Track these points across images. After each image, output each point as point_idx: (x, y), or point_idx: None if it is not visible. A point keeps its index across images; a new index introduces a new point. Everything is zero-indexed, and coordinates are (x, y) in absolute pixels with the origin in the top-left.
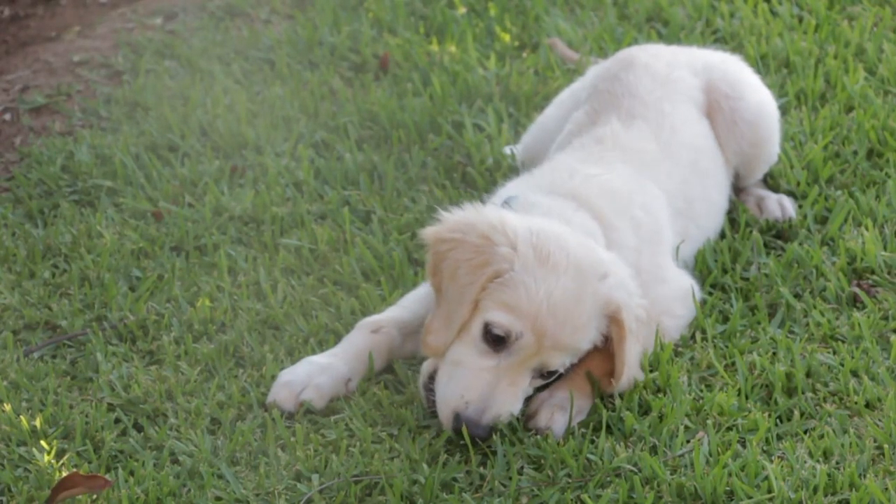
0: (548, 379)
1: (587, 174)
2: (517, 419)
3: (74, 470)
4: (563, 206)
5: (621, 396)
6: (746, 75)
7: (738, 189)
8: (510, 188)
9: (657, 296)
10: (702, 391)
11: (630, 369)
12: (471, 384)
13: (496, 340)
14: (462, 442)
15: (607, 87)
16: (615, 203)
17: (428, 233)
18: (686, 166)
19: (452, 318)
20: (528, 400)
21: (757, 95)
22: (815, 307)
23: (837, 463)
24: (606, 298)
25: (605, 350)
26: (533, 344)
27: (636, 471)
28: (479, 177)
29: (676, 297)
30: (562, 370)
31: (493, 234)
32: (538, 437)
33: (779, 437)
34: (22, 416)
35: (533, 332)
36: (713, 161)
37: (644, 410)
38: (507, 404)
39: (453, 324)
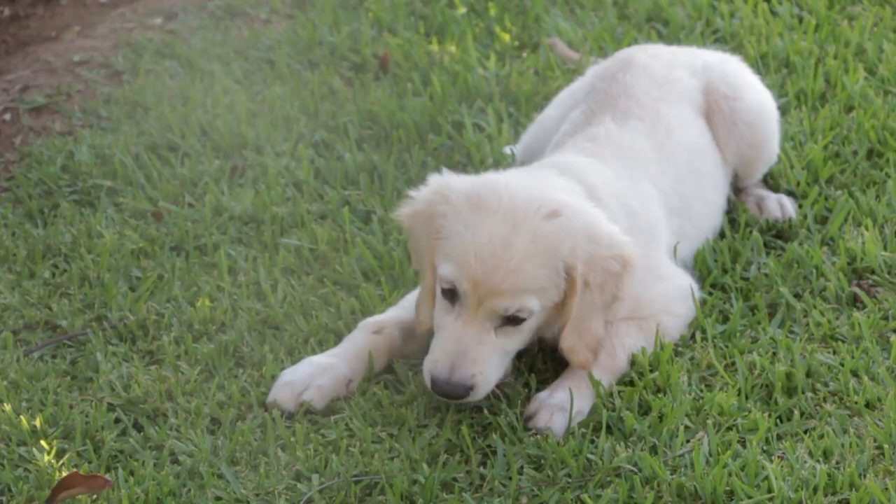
0: (517, 325)
1: (581, 161)
2: (516, 418)
3: (74, 470)
4: (546, 172)
5: (621, 396)
6: (746, 76)
7: (738, 189)
8: None
9: (655, 294)
10: (702, 391)
11: (582, 328)
12: (439, 343)
13: (451, 295)
14: (462, 442)
15: (604, 87)
16: (607, 186)
17: (398, 215)
18: (681, 166)
19: (425, 289)
20: (527, 401)
21: (756, 96)
22: (815, 307)
23: (837, 463)
24: (554, 238)
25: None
26: (471, 291)
27: (636, 471)
28: None
29: (675, 295)
30: (525, 314)
31: (434, 196)
32: (538, 437)
33: (779, 437)
34: (22, 416)
35: (466, 279)
36: (710, 161)
37: (644, 410)
38: (479, 363)
39: (424, 292)
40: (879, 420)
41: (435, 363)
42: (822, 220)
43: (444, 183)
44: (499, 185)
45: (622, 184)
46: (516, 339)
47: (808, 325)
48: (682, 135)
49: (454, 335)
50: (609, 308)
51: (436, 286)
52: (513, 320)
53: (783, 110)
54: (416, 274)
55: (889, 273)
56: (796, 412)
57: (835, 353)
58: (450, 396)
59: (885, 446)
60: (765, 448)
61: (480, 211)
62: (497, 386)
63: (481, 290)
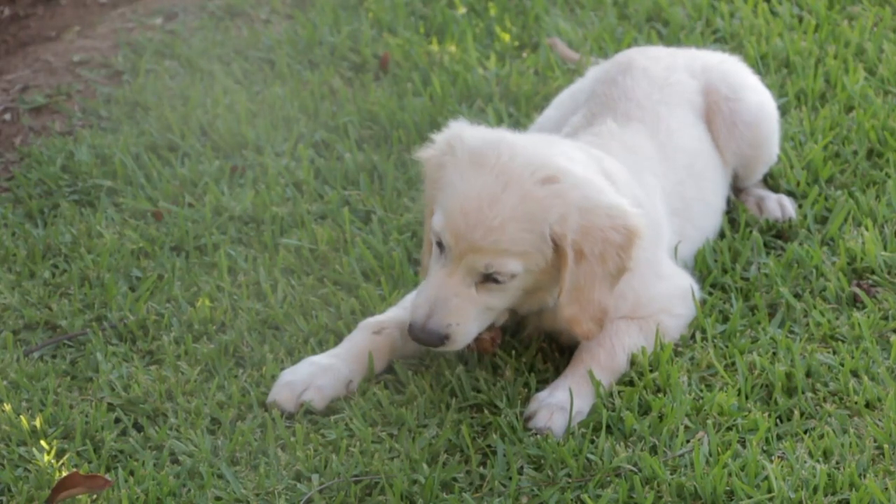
0: (500, 283)
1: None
2: (516, 418)
3: (74, 470)
4: (566, 142)
5: (621, 396)
6: (746, 76)
7: (738, 189)
8: None
9: (655, 293)
10: (702, 391)
11: (583, 298)
12: (421, 292)
13: (440, 245)
14: (462, 442)
15: (604, 91)
16: (620, 174)
17: (417, 157)
18: (682, 168)
19: (426, 238)
20: (528, 401)
21: (756, 96)
22: (815, 307)
23: (837, 463)
24: (543, 204)
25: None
26: (453, 244)
27: (636, 471)
28: None
29: (675, 294)
30: (503, 276)
31: (444, 145)
32: (538, 437)
33: (779, 437)
34: (22, 416)
35: (449, 231)
36: (709, 164)
37: (644, 410)
38: (455, 314)
39: (426, 242)
40: (879, 420)
41: (415, 308)
42: (822, 220)
43: (456, 133)
44: (503, 142)
45: (630, 176)
46: (500, 297)
47: (808, 325)
48: (682, 137)
49: (436, 284)
50: (617, 280)
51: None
52: (494, 279)
53: (783, 110)
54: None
55: (889, 273)
56: (796, 412)
57: (835, 353)
58: (424, 343)
59: (885, 446)
60: (765, 448)
61: (477, 166)
62: (489, 341)
63: (462, 243)
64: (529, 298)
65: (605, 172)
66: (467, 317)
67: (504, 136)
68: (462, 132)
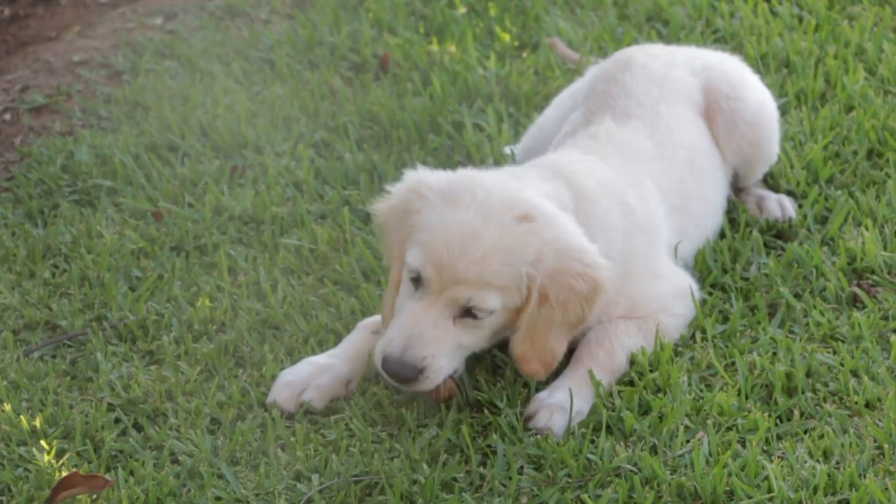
0: (477, 319)
1: (580, 159)
2: (516, 418)
3: (74, 470)
4: (535, 175)
5: (621, 396)
6: (746, 75)
7: (738, 189)
8: None
9: (654, 292)
10: (702, 391)
11: (537, 340)
12: (395, 324)
13: (416, 282)
14: (462, 442)
15: (604, 88)
16: (603, 186)
17: (374, 210)
18: (682, 165)
19: (391, 282)
20: (528, 401)
21: (757, 95)
22: (815, 307)
23: (837, 463)
24: (520, 241)
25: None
26: (435, 277)
27: (636, 471)
28: None
29: (674, 294)
30: (483, 313)
31: (409, 193)
32: (538, 437)
33: (779, 437)
34: (22, 416)
35: (431, 263)
36: (709, 161)
37: (644, 410)
38: (432, 347)
39: (390, 288)
40: (879, 420)
41: (389, 342)
42: (822, 220)
43: (419, 179)
44: (474, 181)
45: (622, 181)
46: (474, 335)
47: (808, 325)
48: (682, 134)
49: (412, 317)
50: (574, 329)
51: (402, 277)
52: (473, 314)
53: (783, 110)
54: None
55: (889, 273)
56: (796, 412)
57: (835, 353)
58: (399, 378)
59: (885, 446)
60: (765, 448)
61: (452, 203)
62: (446, 390)
63: (445, 276)
64: (494, 338)
65: (579, 195)
66: (442, 351)
67: (471, 174)
68: (425, 178)
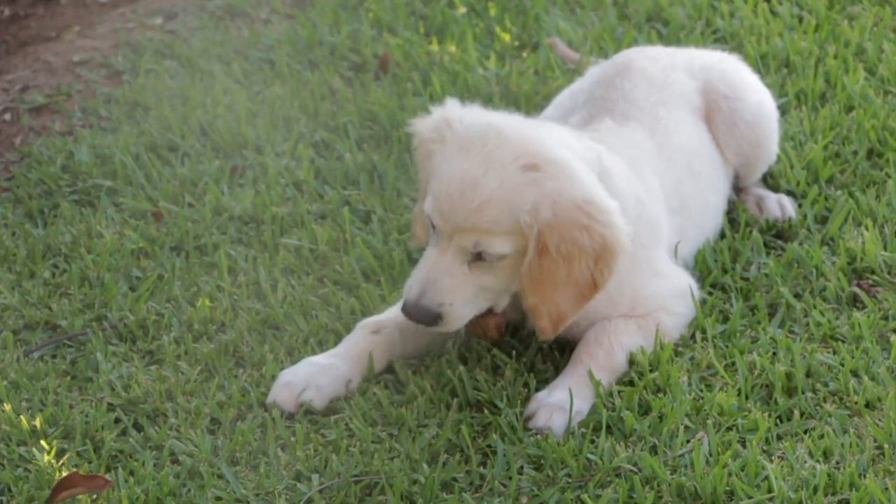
0: (492, 263)
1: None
2: (516, 418)
3: (74, 470)
4: (569, 132)
5: (621, 396)
6: (745, 75)
7: (738, 189)
8: None
9: (653, 291)
10: (702, 391)
11: (544, 293)
12: (415, 271)
13: (432, 225)
14: (462, 442)
15: (602, 94)
16: (612, 171)
17: (412, 128)
18: (680, 167)
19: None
20: (528, 401)
21: (756, 95)
22: (815, 307)
23: (837, 463)
24: (518, 191)
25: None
26: (443, 225)
27: (636, 471)
28: None
29: (674, 293)
30: (491, 259)
31: (432, 133)
32: (538, 437)
33: (779, 437)
34: (22, 416)
35: (437, 212)
36: (708, 163)
37: (644, 410)
38: (449, 294)
39: (419, 218)
40: (879, 420)
41: (409, 287)
42: (822, 220)
43: (444, 119)
44: (491, 128)
45: (630, 172)
46: (492, 277)
47: (808, 325)
48: (680, 138)
49: (428, 263)
50: (586, 293)
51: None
52: (483, 257)
53: (783, 110)
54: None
55: (889, 273)
56: (796, 412)
57: (835, 353)
58: (417, 320)
59: (885, 446)
60: (765, 448)
61: (464, 151)
62: (494, 327)
63: (448, 225)
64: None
65: (603, 168)
66: (461, 297)
67: (494, 121)
68: (451, 119)
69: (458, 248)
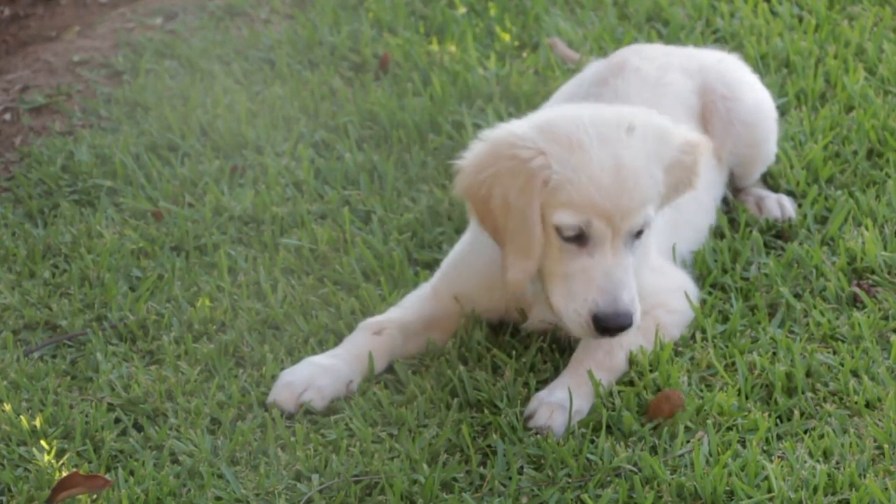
0: (640, 237)
1: None
2: (516, 418)
3: (74, 470)
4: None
5: (621, 396)
6: (743, 74)
7: (737, 189)
8: None
9: (651, 287)
10: (702, 391)
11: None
12: (587, 285)
13: (577, 239)
14: (462, 442)
15: (596, 92)
16: None
17: (459, 187)
18: None
19: (529, 245)
20: (528, 400)
21: (754, 95)
22: (815, 307)
23: (837, 463)
24: (646, 147)
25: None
26: (605, 225)
27: (636, 471)
28: None
29: (671, 289)
30: (645, 225)
31: (514, 150)
32: (538, 436)
33: (779, 437)
34: (22, 416)
35: (598, 216)
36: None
37: (644, 410)
38: (631, 287)
39: (532, 249)
40: (879, 420)
41: (595, 302)
42: (822, 220)
43: (512, 134)
44: (575, 119)
45: None
46: (637, 253)
47: (808, 325)
48: None
49: (601, 270)
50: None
51: (549, 237)
52: (638, 234)
53: (783, 110)
54: (490, 232)
55: (889, 273)
56: (796, 412)
57: (835, 353)
58: (614, 330)
59: (885, 446)
60: (765, 448)
61: (579, 149)
62: None
63: (616, 219)
64: None
65: None
66: (633, 284)
67: (562, 115)
68: (515, 136)
69: (624, 239)
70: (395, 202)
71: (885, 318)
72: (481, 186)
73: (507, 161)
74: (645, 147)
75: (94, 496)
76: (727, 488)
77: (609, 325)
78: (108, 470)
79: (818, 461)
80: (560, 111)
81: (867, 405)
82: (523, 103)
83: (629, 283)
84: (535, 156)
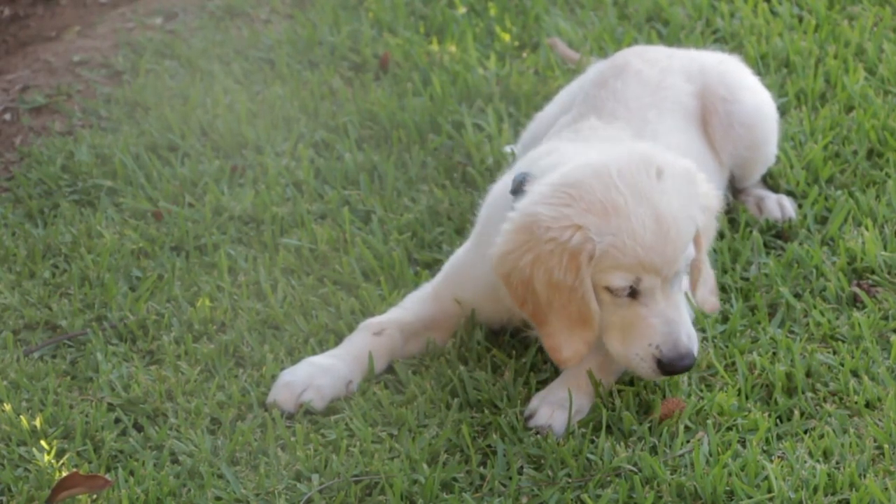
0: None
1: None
2: (516, 418)
3: (74, 470)
4: (573, 146)
5: (621, 396)
6: (744, 77)
7: (737, 189)
8: (507, 179)
9: None
10: (702, 391)
11: (706, 274)
12: (646, 331)
13: (631, 294)
14: (462, 442)
15: (595, 93)
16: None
17: (497, 273)
18: None
19: (586, 316)
20: (528, 400)
21: (754, 97)
22: (815, 307)
23: (837, 463)
24: (680, 193)
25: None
26: (655, 277)
27: (636, 471)
28: (479, 177)
29: None
30: (686, 261)
31: (550, 232)
32: (538, 436)
33: (779, 437)
34: (22, 416)
35: (647, 271)
36: (699, 166)
37: (644, 410)
38: (685, 322)
39: (591, 320)
40: (879, 420)
41: (658, 348)
42: (822, 220)
43: (538, 214)
44: (600, 177)
45: None
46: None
47: (808, 325)
48: (668, 142)
49: (660, 316)
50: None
51: (603, 300)
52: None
53: (783, 110)
54: (531, 312)
55: (889, 273)
56: (796, 412)
57: (835, 353)
58: (682, 371)
59: (885, 446)
60: (765, 448)
61: (615, 213)
62: None
63: (664, 269)
64: None
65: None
66: (687, 316)
67: (584, 174)
68: (539, 216)
69: (672, 282)
70: (395, 202)
71: (885, 318)
72: (522, 272)
73: (545, 245)
74: (677, 189)
75: (94, 496)
76: (727, 488)
77: (675, 369)
78: (108, 470)
79: (818, 461)
80: (578, 168)
81: (867, 405)
82: (523, 103)
83: (684, 320)
84: (574, 233)
